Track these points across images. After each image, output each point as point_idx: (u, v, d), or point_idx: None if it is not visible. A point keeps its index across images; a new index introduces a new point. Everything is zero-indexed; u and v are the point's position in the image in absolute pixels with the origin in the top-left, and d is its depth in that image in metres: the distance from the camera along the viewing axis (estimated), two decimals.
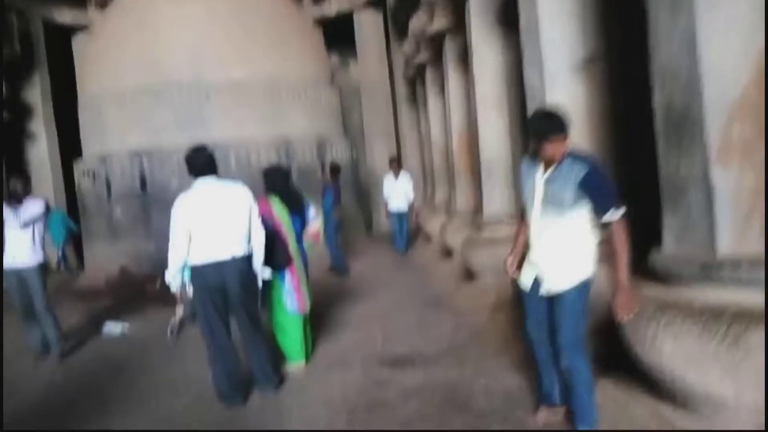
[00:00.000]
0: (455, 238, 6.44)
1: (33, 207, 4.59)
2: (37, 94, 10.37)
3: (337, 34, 11.90)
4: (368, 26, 11.99)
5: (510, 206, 5.09)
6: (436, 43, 7.26)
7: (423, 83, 9.06)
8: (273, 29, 9.10)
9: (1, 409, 3.24)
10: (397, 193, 8.47)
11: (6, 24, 9.38)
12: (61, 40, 11.05)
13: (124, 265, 8.32)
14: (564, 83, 3.46)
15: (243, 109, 8.63)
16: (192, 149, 3.52)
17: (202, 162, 3.47)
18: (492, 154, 5.11)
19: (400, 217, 8.52)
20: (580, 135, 3.22)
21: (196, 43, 8.54)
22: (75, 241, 8.69)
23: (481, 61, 5.11)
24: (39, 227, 4.66)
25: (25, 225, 4.50)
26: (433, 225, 8.14)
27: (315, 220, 4.26)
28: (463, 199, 6.71)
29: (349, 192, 9.77)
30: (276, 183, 4.08)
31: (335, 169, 7.98)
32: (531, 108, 3.50)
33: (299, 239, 4.05)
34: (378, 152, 11.92)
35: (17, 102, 10.05)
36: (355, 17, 12.09)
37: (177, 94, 8.44)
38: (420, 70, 8.91)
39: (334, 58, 12.96)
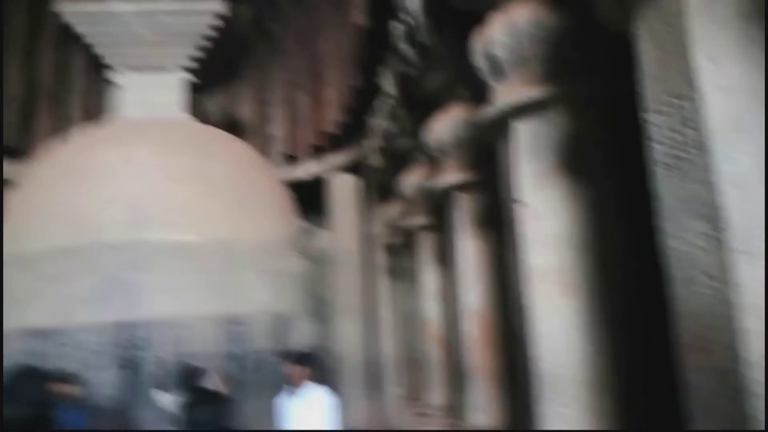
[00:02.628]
0: None
1: None
2: None
3: (308, 199, 10.63)
4: (343, 190, 10.78)
5: None
6: (438, 201, 5.81)
7: (411, 251, 7.49)
8: (235, 186, 7.66)
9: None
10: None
11: None
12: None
13: None
14: None
15: (187, 279, 6.80)
16: None
17: None
18: (556, 357, 3.32)
19: None
20: None
21: (138, 197, 6.93)
22: None
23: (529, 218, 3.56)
24: None
25: None
26: None
27: None
28: (482, 412, 4.72)
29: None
30: None
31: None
32: None
33: None
34: (347, 332, 9.98)
35: None
36: (330, 180, 10.92)
37: (104, 259, 6.59)
38: (409, 235, 7.38)
39: (304, 225, 11.58)
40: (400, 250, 8.59)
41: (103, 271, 6.38)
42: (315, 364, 5.03)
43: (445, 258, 5.90)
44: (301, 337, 7.51)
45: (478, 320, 4.87)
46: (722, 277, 2.02)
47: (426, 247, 6.84)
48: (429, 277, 6.77)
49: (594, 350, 3.28)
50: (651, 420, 3.20)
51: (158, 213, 6.80)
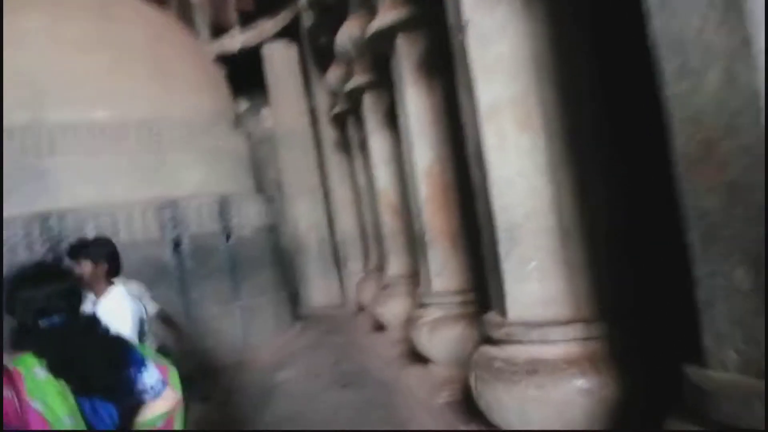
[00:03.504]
0: (437, 342, 4.07)
1: None
2: None
3: (246, 75, 9.63)
4: (281, 61, 9.78)
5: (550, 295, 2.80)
6: (379, 53, 5.06)
7: (359, 118, 6.81)
8: (151, 55, 6.62)
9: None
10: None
11: None
12: None
13: None
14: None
15: (107, 162, 6.01)
16: None
17: None
18: (517, 205, 2.82)
19: None
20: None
21: (35, 72, 5.89)
22: None
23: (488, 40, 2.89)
24: None
25: None
26: (391, 310, 5.71)
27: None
28: (442, 278, 4.35)
29: (268, 266, 7.23)
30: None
31: None
32: None
33: None
34: (303, 212, 9.50)
35: None
36: (265, 51, 9.85)
37: (7, 145, 5.68)
38: (354, 100, 6.66)
39: (244, 104, 10.64)
40: (347, 118, 7.89)
41: (9, 159, 5.54)
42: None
43: (393, 119, 5.27)
44: (249, 218, 6.97)
45: (429, 180, 4.36)
46: (738, 54, 1.47)
47: (372, 111, 6.17)
48: (378, 144, 6.18)
49: (560, 193, 2.80)
50: (635, 267, 2.81)
51: (60, 88, 5.82)
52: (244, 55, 9.97)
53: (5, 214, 5.44)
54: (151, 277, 5.95)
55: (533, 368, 2.66)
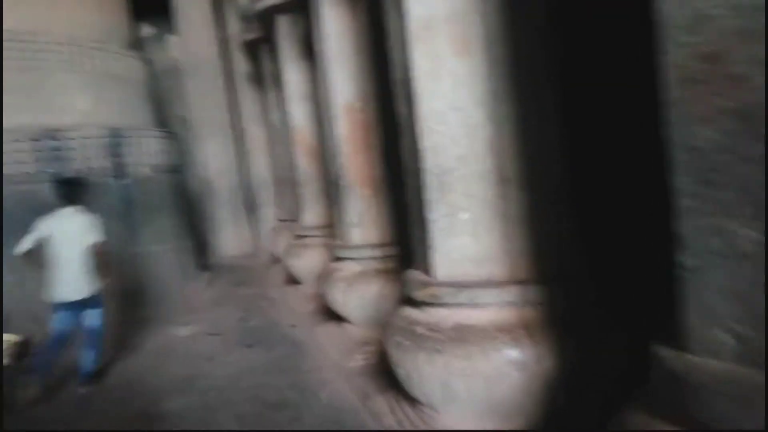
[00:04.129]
0: (353, 299, 3.64)
1: None
2: None
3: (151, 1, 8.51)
4: None
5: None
6: None
7: (274, 47, 6.08)
8: None
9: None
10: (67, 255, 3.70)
11: None
12: None
13: None
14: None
15: None
16: None
17: None
18: (449, 145, 2.37)
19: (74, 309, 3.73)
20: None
21: None
22: None
23: None
24: None
25: None
26: (305, 263, 5.23)
27: None
28: (360, 229, 3.88)
29: (171, 211, 6.51)
30: None
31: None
32: None
33: None
34: (212, 153, 8.70)
35: None
36: None
37: None
38: (268, 25, 5.91)
39: (148, 30, 9.48)
40: (260, 48, 7.10)
41: None
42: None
43: (310, 47, 4.64)
44: (148, 157, 6.17)
45: (349, 117, 3.82)
46: None
47: (287, 38, 5.46)
48: (294, 77, 5.52)
49: (500, 132, 2.36)
50: (584, 223, 2.44)
51: None
52: None
53: None
54: (27, 219, 5.12)
55: (460, 336, 2.28)
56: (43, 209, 5.29)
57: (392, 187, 3.74)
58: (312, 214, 5.53)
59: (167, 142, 6.79)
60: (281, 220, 7.60)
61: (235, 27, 8.31)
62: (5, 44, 5.18)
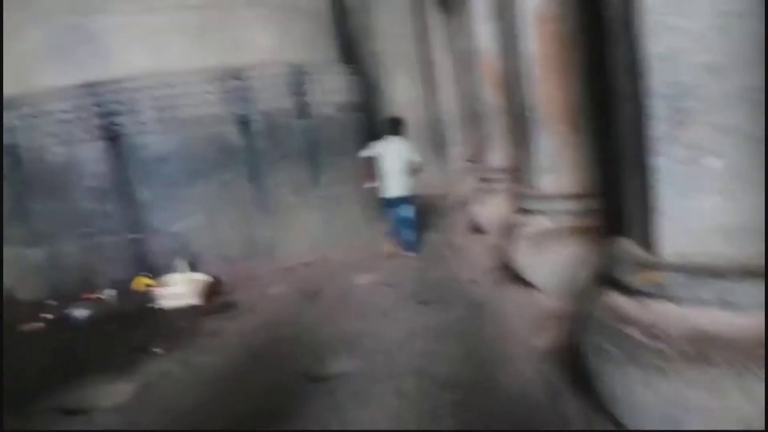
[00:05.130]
0: (541, 263, 2.91)
1: None
2: None
3: None
4: None
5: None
6: None
7: None
8: None
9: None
10: (392, 167, 5.29)
11: None
12: None
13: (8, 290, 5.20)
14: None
15: (165, 20, 5.12)
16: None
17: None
18: (697, 46, 1.49)
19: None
20: None
21: None
22: None
23: None
24: None
25: None
26: (489, 210, 4.57)
27: None
28: (553, 175, 3.08)
29: (355, 151, 6.28)
30: None
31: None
32: None
33: None
34: (400, 88, 8.26)
35: None
36: None
37: (52, 5, 4.96)
38: None
39: None
40: None
41: (49, 18, 4.86)
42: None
43: None
44: (331, 94, 5.94)
45: (542, 28, 2.96)
46: None
47: None
48: None
49: None
50: None
51: None
52: None
53: (55, 82, 4.85)
54: (217, 160, 5.28)
55: (700, 351, 1.48)
56: (232, 152, 5.43)
57: (596, 121, 2.85)
58: (498, 154, 4.79)
59: (352, 79, 6.48)
60: (468, 160, 6.95)
61: None
62: None
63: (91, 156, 4.99)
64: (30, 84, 4.97)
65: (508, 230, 3.43)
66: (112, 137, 4.98)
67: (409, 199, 5.30)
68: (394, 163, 5.20)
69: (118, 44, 5.01)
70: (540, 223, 3.00)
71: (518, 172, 4.11)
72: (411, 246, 5.37)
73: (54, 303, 4.85)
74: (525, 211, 3.25)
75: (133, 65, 4.98)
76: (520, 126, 3.47)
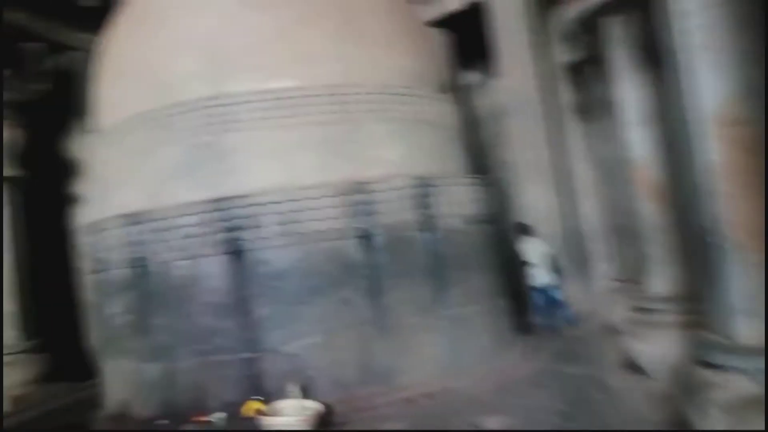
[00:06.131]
0: None
1: None
2: None
3: (467, 43, 8.30)
4: (507, 12, 8.05)
5: None
6: None
7: (600, 64, 4.80)
8: (344, 10, 5.56)
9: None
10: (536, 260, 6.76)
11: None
12: None
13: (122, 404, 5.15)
14: None
15: (290, 136, 5.12)
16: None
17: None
18: None
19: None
20: None
21: (215, 36, 5.24)
22: None
23: None
24: None
25: None
26: (653, 348, 3.73)
27: None
28: (753, 319, 2.32)
29: (484, 266, 5.73)
30: None
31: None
32: None
33: None
34: (533, 198, 7.70)
35: None
36: (487, 5, 8.25)
37: (184, 122, 5.20)
38: (592, 39, 4.69)
39: (472, 77, 9.28)
40: (585, 70, 5.88)
41: (185, 138, 5.05)
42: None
43: (651, 54, 3.28)
44: (459, 207, 5.56)
45: (724, 132, 2.35)
46: None
47: (618, 44, 4.16)
48: (629, 93, 4.16)
49: None
50: None
51: (241, 54, 5.12)
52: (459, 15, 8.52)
53: (185, 198, 4.97)
54: (336, 276, 5.00)
55: None
56: (351, 267, 5.15)
57: None
58: (661, 279, 4.01)
59: (482, 190, 6.09)
60: (617, 280, 6.08)
61: (558, 56, 7.28)
62: (324, 99, 5.20)
63: (213, 271, 4.93)
64: (161, 200, 5.12)
65: (688, 389, 2.63)
66: (235, 252, 4.93)
67: (557, 286, 6.38)
68: (537, 256, 6.30)
69: (246, 160, 5.06)
70: (739, 386, 2.21)
71: (691, 304, 3.30)
72: (570, 319, 6.33)
73: (166, 422, 4.68)
74: (713, 366, 2.46)
75: (260, 180, 4.99)
76: (698, 251, 2.75)
